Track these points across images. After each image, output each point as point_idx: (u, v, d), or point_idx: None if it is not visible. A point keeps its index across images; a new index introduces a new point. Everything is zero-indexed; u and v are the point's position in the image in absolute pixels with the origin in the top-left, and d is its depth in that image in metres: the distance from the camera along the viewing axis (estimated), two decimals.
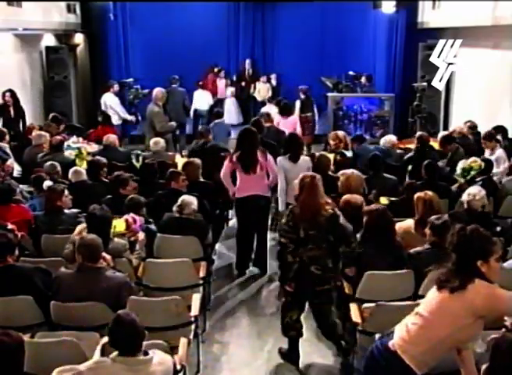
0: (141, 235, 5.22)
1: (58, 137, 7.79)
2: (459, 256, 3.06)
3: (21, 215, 5.52)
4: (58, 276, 4.21)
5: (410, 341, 3.11)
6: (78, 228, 4.96)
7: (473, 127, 8.69)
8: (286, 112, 9.77)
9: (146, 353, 3.18)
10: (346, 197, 5.43)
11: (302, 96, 11.87)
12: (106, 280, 4.13)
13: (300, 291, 4.70)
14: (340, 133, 8.67)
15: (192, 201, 5.58)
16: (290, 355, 4.88)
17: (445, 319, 3.05)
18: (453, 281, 3.02)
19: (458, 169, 6.89)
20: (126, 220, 5.13)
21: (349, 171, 6.24)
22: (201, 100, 13.14)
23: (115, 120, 11.21)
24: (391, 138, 8.39)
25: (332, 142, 8.36)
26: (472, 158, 6.84)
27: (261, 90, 14.42)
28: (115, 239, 4.87)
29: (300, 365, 4.94)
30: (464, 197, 5.48)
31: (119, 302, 4.07)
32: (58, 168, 6.58)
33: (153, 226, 5.52)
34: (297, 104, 11.94)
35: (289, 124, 9.54)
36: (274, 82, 14.64)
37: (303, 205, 4.66)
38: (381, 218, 4.68)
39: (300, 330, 4.87)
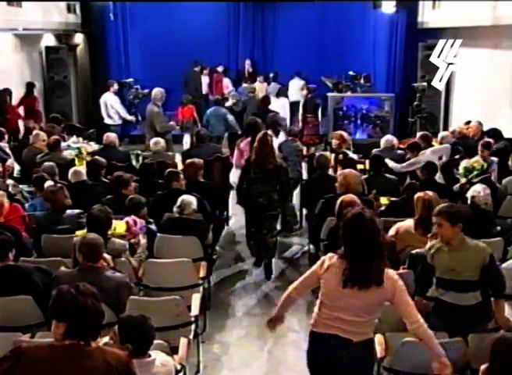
0: (142, 239, 5.22)
1: (55, 137, 7.78)
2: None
3: (16, 212, 5.55)
4: (58, 276, 4.21)
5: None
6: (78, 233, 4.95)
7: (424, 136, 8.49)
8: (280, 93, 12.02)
9: (148, 355, 3.19)
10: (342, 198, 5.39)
11: (308, 95, 11.94)
12: (106, 280, 4.12)
13: (255, 214, 6.47)
14: (343, 133, 8.69)
15: (192, 201, 5.58)
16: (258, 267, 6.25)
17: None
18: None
19: (460, 169, 6.91)
20: (127, 222, 5.13)
21: (346, 170, 6.25)
22: None
23: (116, 120, 11.23)
24: (391, 138, 8.38)
25: (335, 142, 8.37)
26: (475, 159, 6.87)
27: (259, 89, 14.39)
28: (116, 240, 4.87)
29: (301, 365, 4.94)
30: (469, 193, 5.58)
31: (119, 302, 4.07)
32: (56, 169, 6.57)
33: (153, 227, 5.52)
34: (288, 113, 11.97)
35: (280, 105, 11.54)
36: (272, 81, 14.65)
37: (255, 154, 6.25)
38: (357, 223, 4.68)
39: (259, 241, 6.58)
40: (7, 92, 9.48)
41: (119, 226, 5.06)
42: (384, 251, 3.28)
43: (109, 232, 4.99)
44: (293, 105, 13.00)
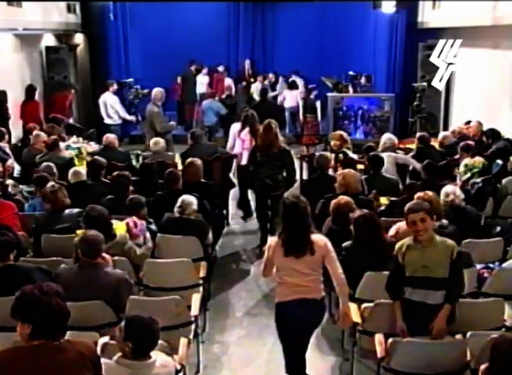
0: (149, 242, 5.23)
1: (53, 137, 7.79)
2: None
3: (9, 210, 5.58)
4: (59, 273, 4.23)
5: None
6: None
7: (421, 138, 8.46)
8: (292, 86, 13.66)
9: (149, 356, 3.18)
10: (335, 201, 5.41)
11: (308, 95, 12.02)
12: (105, 276, 4.15)
13: (262, 194, 7.17)
14: (343, 133, 8.69)
15: (192, 201, 5.58)
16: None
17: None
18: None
19: (462, 167, 6.92)
20: (127, 224, 5.13)
21: (346, 170, 6.27)
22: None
23: (116, 119, 11.23)
24: (391, 137, 8.37)
25: (335, 142, 8.35)
26: (477, 158, 6.88)
27: (259, 89, 14.39)
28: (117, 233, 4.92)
29: None
30: (445, 198, 5.50)
31: (119, 300, 4.09)
32: (55, 169, 6.57)
33: (153, 227, 5.52)
34: (318, 104, 12.03)
35: (293, 96, 13.50)
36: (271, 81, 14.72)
37: (261, 140, 7.09)
38: (368, 223, 4.70)
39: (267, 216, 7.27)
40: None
41: (119, 227, 5.07)
42: (310, 228, 4.07)
43: None
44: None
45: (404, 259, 4.03)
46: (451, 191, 5.55)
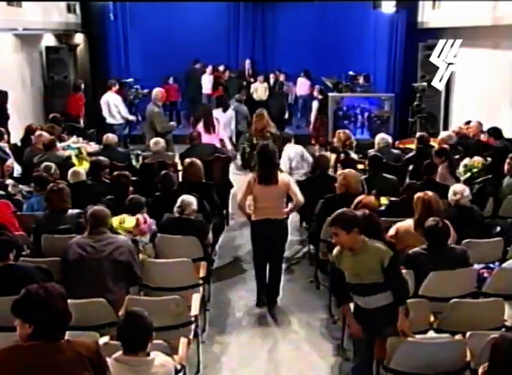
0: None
1: (50, 137, 7.79)
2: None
3: (7, 208, 5.60)
4: (70, 243, 4.58)
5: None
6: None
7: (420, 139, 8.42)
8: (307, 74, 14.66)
9: (148, 354, 3.19)
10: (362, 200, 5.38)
11: (319, 96, 11.99)
12: (113, 238, 4.66)
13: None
14: (347, 132, 8.68)
15: (192, 201, 5.58)
16: None
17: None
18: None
19: (461, 167, 6.91)
20: (137, 219, 5.19)
21: (346, 170, 6.28)
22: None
23: (118, 119, 11.23)
24: (386, 137, 8.33)
25: (337, 140, 8.34)
26: (476, 158, 6.87)
27: (259, 89, 14.41)
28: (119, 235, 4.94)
29: (301, 365, 4.95)
30: (453, 196, 5.49)
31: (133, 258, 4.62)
32: (53, 170, 6.56)
33: (153, 227, 5.52)
34: (315, 104, 11.99)
35: (306, 85, 14.57)
36: (272, 82, 14.71)
37: (255, 127, 9.01)
38: (368, 222, 4.68)
39: None
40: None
41: (128, 221, 5.13)
42: (276, 166, 5.93)
43: (116, 224, 5.08)
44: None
45: (341, 266, 4.03)
46: (460, 190, 5.53)
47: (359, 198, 5.32)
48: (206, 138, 8.55)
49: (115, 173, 6.27)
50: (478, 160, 6.88)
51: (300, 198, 5.71)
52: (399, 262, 4.07)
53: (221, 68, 14.78)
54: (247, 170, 9.16)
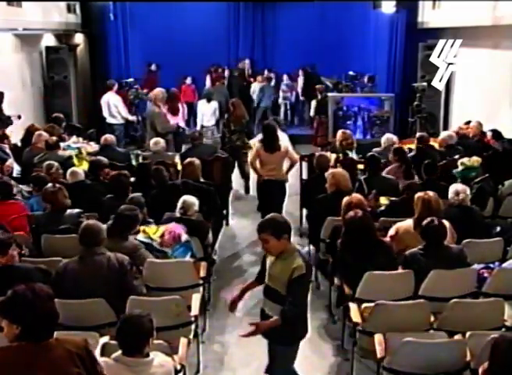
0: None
1: (54, 138, 7.79)
2: None
3: (19, 210, 5.56)
4: (64, 269, 4.28)
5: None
6: None
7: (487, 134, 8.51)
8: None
9: (147, 355, 3.19)
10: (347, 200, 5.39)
11: (319, 96, 11.98)
12: (108, 257, 4.28)
13: (233, 154, 9.22)
14: (348, 132, 8.69)
15: (194, 202, 5.58)
16: None
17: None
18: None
19: (459, 164, 6.91)
20: (163, 233, 5.13)
21: (333, 169, 6.43)
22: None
23: (119, 119, 11.23)
24: (391, 137, 8.38)
25: (339, 140, 8.31)
26: (474, 158, 6.87)
27: (258, 89, 14.38)
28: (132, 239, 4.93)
29: (301, 365, 4.94)
30: (455, 196, 5.47)
31: (125, 277, 4.22)
32: (55, 168, 6.55)
33: (183, 237, 5.48)
34: (313, 103, 12.02)
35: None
36: (272, 82, 14.70)
37: (234, 115, 9.53)
38: (361, 223, 4.67)
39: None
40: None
41: (151, 231, 5.12)
42: (278, 137, 7.39)
43: (142, 227, 5.09)
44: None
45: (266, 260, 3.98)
46: (462, 189, 5.52)
47: (347, 199, 5.31)
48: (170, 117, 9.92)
49: (115, 172, 6.27)
50: (474, 160, 6.87)
51: (296, 157, 7.53)
52: (306, 285, 3.81)
53: (220, 69, 14.73)
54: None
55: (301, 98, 15.06)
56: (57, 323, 2.75)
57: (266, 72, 14.88)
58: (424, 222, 4.57)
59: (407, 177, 6.77)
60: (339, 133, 8.59)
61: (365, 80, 13.13)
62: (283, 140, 8.25)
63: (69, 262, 4.32)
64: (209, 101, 10.89)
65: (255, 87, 14.31)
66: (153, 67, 14.26)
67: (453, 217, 5.16)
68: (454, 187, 5.59)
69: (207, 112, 10.65)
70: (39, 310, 2.60)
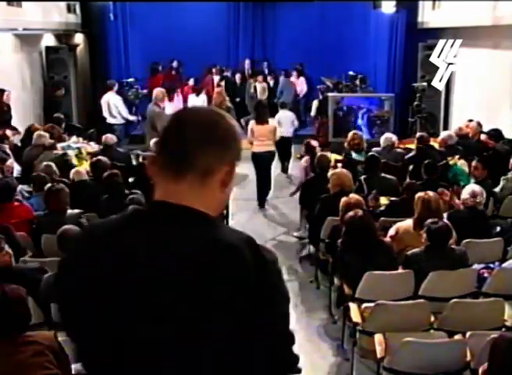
0: None
1: (52, 141, 7.81)
2: None
3: (23, 214, 5.54)
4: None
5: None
6: None
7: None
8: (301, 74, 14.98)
9: None
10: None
11: (320, 96, 11.98)
12: None
13: None
14: (359, 133, 8.67)
15: None
16: None
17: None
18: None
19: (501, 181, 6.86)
20: None
21: (337, 170, 6.40)
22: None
23: (119, 119, 11.23)
24: (390, 136, 8.36)
25: (351, 141, 8.22)
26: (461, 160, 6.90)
27: (258, 89, 14.38)
28: None
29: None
30: (472, 198, 5.36)
31: None
32: (54, 168, 6.57)
33: None
34: (315, 104, 12.01)
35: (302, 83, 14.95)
36: (271, 82, 14.70)
37: (219, 101, 10.16)
38: (361, 223, 4.68)
39: None
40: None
41: None
42: (267, 115, 8.86)
43: None
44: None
45: None
46: (479, 192, 5.38)
47: (346, 199, 5.31)
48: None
49: (107, 172, 6.25)
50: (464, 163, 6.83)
51: (278, 134, 8.94)
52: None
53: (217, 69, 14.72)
54: None
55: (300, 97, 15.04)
56: (28, 323, 2.86)
57: (266, 71, 14.89)
58: (429, 222, 4.54)
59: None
60: (350, 133, 8.55)
61: (357, 82, 13.09)
62: (282, 117, 10.13)
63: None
64: (198, 94, 12.32)
65: (255, 86, 14.33)
66: (174, 64, 14.39)
67: (463, 218, 5.13)
68: (471, 189, 5.45)
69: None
70: (5, 313, 2.72)
